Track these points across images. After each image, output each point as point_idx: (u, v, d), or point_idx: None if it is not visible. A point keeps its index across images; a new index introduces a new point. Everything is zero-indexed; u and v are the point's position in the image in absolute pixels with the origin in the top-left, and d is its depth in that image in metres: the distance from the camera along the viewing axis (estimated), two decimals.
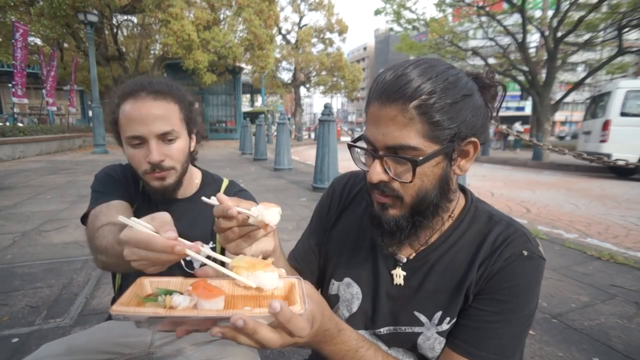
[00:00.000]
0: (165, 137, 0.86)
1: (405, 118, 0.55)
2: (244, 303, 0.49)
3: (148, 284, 0.53)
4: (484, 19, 12.92)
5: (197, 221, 1.00)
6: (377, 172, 0.59)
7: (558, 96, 13.32)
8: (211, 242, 1.02)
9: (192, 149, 0.98)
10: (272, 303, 0.42)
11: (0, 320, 1.69)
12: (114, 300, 1.04)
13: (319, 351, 0.57)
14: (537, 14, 13.60)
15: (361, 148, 0.65)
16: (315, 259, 0.84)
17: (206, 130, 1.14)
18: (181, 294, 0.48)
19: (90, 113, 14.41)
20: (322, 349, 0.56)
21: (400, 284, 0.70)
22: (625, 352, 1.54)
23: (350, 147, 0.67)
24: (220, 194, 0.57)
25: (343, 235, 0.79)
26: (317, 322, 0.51)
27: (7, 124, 11.80)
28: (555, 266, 2.50)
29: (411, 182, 0.57)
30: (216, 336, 0.43)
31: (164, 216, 0.54)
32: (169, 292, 0.48)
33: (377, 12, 14.40)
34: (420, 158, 0.56)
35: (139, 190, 0.98)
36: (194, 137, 0.98)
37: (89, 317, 1.75)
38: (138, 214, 0.85)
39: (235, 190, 1.05)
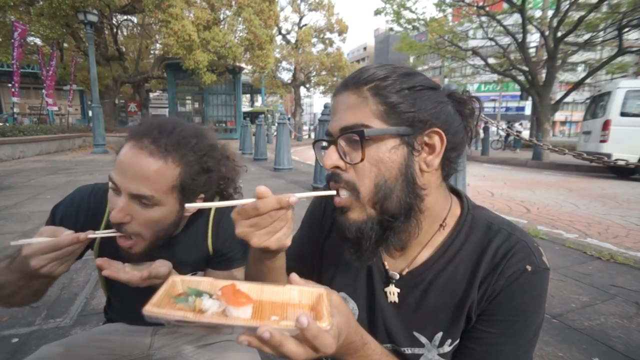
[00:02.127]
0: (139, 199, 0.72)
1: (360, 99, 0.55)
2: (272, 311, 0.50)
3: (180, 283, 0.54)
4: (484, 19, 12.90)
5: (189, 249, 0.91)
6: (329, 157, 0.57)
7: (558, 96, 13.29)
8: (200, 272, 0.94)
9: (182, 216, 0.80)
10: (300, 318, 0.42)
11: (0, 320, 1.69)
12: (106, 310, 1.02)
13: None
14: (537, 14, 13.57)
15: (320, 140, 0.65)
16: (309, 266, 0.79)
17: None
18: (211, 295, 0.49)
19: (90, 113, 14.40)
20: None
21: (394, 302, 0.66)
22: (625, 352, 1.54)
23: (314, 145, 0.67)
24: (262, 187, 0.52)
25: (338, 246, 0.72)
26: (342, 335, 0.49)
27: (7, 124, 11.81)
28: (555, 266, 2.50)
29: (362, 160, 0.54)
30: (242, 344, 0.43)
31: (51, 227, 0.66)
32: (199, 293, 0.49)
33: (377, 12, 14.37)
34: (369, 129, 0.53)
35: (103, 218, 0.87)
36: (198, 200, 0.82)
37: (89, 317, 1.75)
38: (105, 239, 0.82)
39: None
